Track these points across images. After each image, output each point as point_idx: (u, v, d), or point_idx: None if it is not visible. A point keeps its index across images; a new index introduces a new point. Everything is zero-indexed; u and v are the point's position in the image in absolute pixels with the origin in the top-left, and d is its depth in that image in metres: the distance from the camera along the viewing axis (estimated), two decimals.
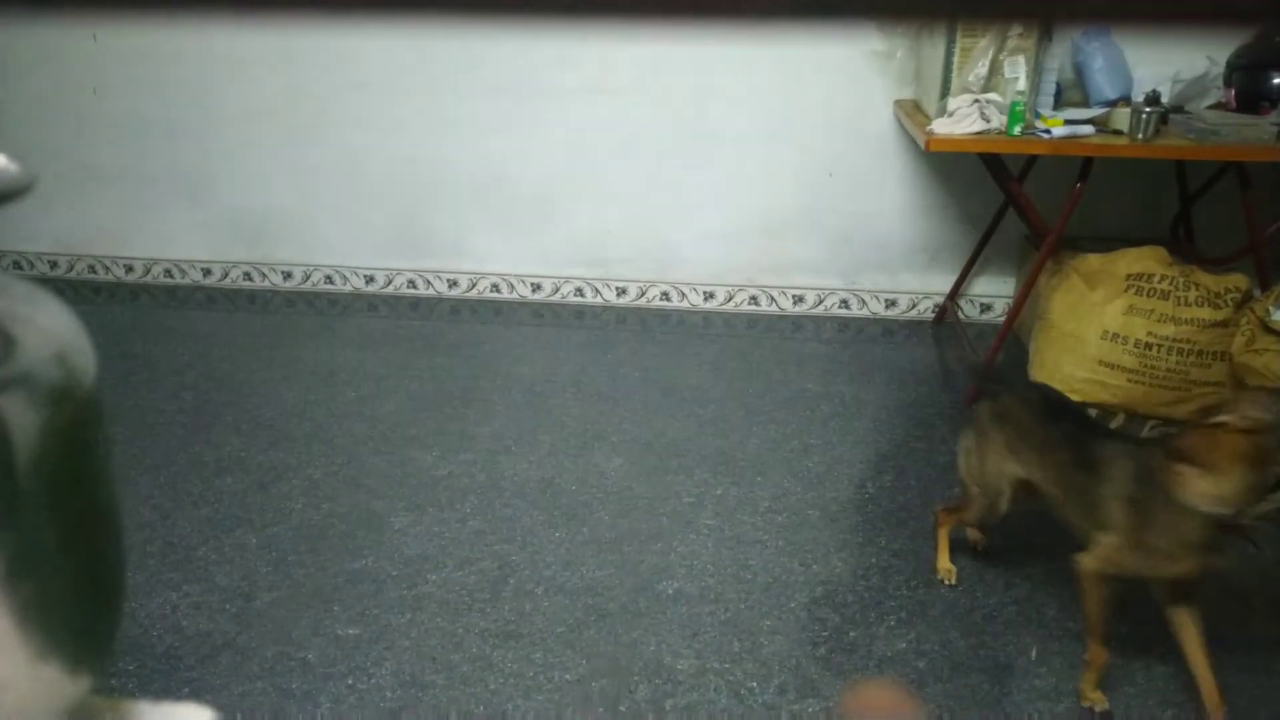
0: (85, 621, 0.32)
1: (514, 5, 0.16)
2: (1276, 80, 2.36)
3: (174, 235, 3.43)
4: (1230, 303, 2.35)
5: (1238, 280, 2.37)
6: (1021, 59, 2.31)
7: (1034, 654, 1.69)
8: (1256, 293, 2.38)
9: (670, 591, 1.84)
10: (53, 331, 0.29)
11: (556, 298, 3.33)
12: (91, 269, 3.53)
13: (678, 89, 2.98)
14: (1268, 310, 2.20)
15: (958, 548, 1.97)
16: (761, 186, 3.08)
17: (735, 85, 2.96)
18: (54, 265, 3.54)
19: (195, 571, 1.90)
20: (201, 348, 2.95)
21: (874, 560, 1.94)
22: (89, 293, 3.43)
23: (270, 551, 1.96)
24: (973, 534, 1.97)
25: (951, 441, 2.40)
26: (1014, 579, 1.88)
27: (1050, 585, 1.87)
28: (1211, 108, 2.49)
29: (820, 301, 3.22)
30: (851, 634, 1.74)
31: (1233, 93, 2.45)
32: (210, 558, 1.94)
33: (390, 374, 2.76)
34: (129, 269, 3.51)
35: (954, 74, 2.37)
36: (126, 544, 0.36)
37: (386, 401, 2.59)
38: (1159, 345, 2.40)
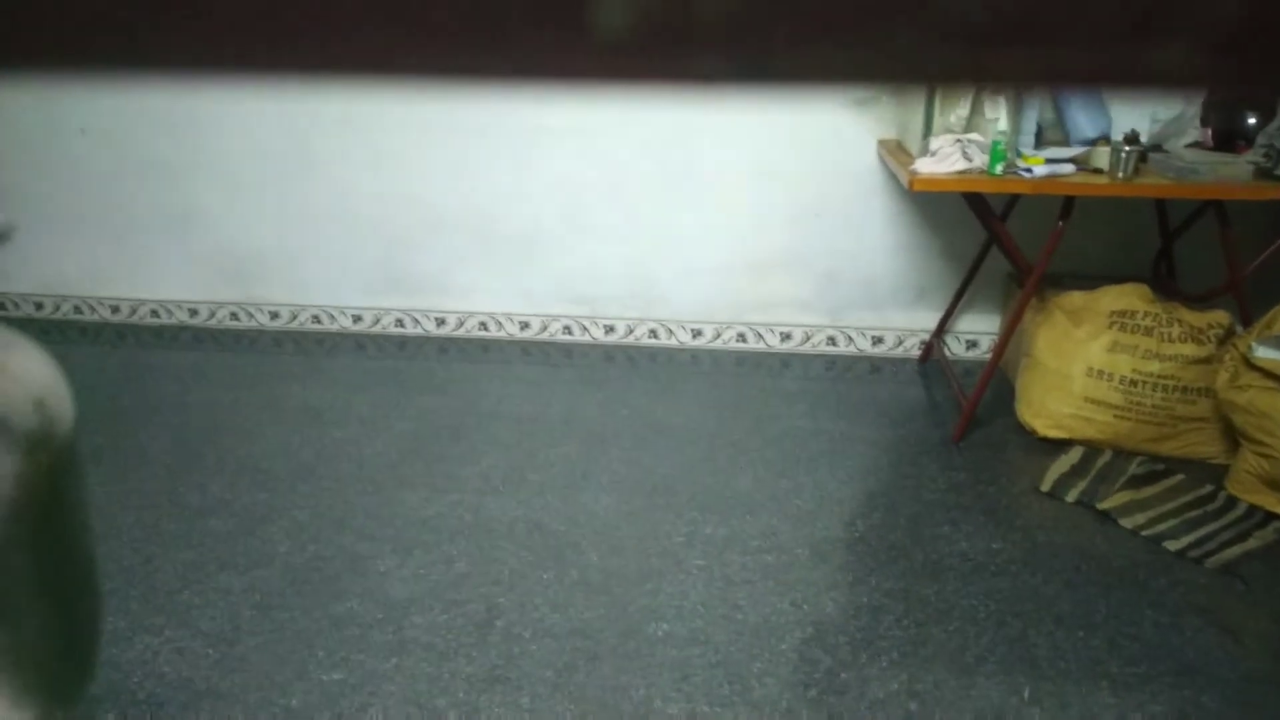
0: (59, 669, 0.31)
1: (473, 72, 0.16)
2: (1251, 120, 2.40)
3: (160, 275, 3.42)
4: (1213, 339, 2.37)
5: (1220, 317, 2.40)
6: (1002, 100, 2.35)
7: (1026, 694, 1.68)
8: (1239, 329, 2.40)
9: (660, 634, 1.82)
10: (30, 378, 0.28)
11: (545, 335, 3.33)
12: (77, 309, 3.51)
13: (664, 128, 3.01)
14: (1250, 347, 2.21)
15: (944, 580, 1.96)
16: (748, 224, 3.10)
17: (721, 125, 2.99)
18: (39, 306, 3.52)
19: (177, 616, 1.86)
20: (187, 388, 2.94)
21: (865, 600, 1.93)
22: (74, 333, 3.41)
23: (254, 595, 1.93)
24: None
25: (940, 479, 2.40)
26: (1006, 618, 1.87)
27: (1042, 624, 1.86)
28: (1189, 146, 2.53)
29: (808, 339, 3.23)
30: (843, 675, 1.72)
31: (1209, 132, 2.49)
32: (193, 601, 1.91)
33: (377, 414, 2.74)
34: (115, 309, 3.49)
35: (936, 115, 2.40)
36: (105, 589, 0.36)
37: (373, 441, 2.57)
38: (1144, 381, 2.41)
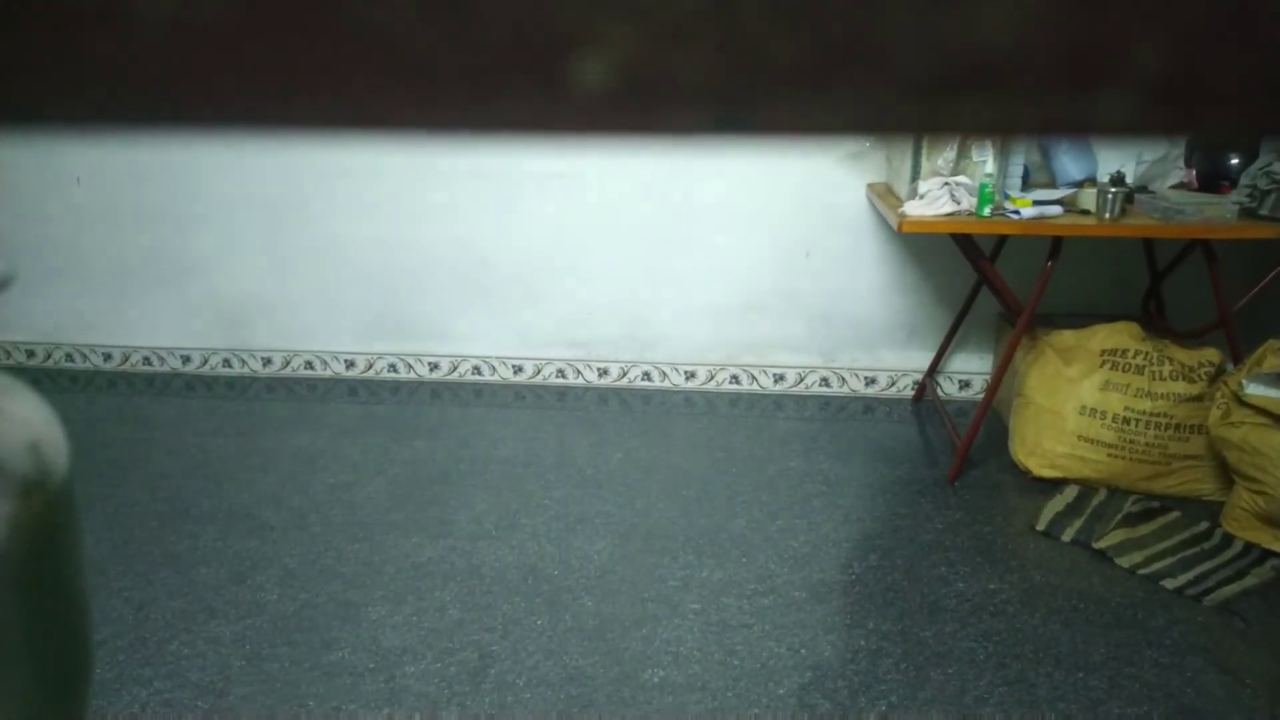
0: (49, 716, 0.31)
1: (463, 125, 0.17)
2: (1234, 161, 2.44)
3: (153, 322, 3.43)
4: (1204, 376, 2.38)
5: (1210, 354, 2.41)
6: (989, 143, 2.38)
7: None
8: (1229, 366, 2.42)
9: (655, 680, 1.80)
10: (25, 422, 0.29)
11: (538, 379, 3.34)
12: (69, 357, 3.51)
13: (655, 172, 3.05)
14: (1241, 383, 2.23)
15: (942, 622, 1.95)
16: (740, 266, 3.13)
17: (712, 168, 3.03)
18: (31, 354, 3.52)
19: (166, 666, 1.84)
20: (179, 435, 2.92)
21: (862, 643, 1.91)
22: (66, 381, 3.40)
23: (244, 644, 1.90)
24: None
25: (936, 519, 2.40)
26: (1005, 659, 1.86)
27: (1041, 665, 1.84)
28: (1174, 187, 2.57)
29: (801, 380, 3.24)
30: None
31: (1194, 173, 2.53)
32: (182, 652, 1.88)
33: (370, 459, 2.73)
34: (107, 357, 3.49)
35: (923, 158, 2.44)
36: (95, 637, 0.36)
37: (366, 487, 2.56)
38: (1136, 419, 2.42)
